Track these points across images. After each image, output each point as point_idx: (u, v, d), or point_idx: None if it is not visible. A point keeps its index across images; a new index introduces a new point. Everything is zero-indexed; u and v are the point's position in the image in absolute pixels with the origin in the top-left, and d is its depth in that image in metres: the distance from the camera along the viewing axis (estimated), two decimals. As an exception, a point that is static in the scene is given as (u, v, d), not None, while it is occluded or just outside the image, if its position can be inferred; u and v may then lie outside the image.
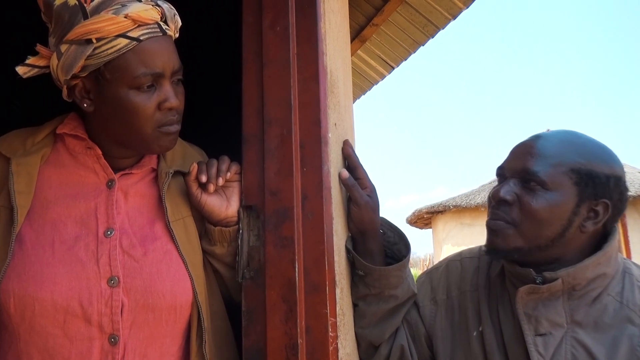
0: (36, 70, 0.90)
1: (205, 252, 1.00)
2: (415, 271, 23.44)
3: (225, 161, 0.98)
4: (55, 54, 0.88)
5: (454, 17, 2.20)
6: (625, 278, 0.99)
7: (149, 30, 0.88)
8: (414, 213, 14.30)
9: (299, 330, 0.91)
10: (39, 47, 0.90)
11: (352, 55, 2.75)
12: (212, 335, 0.96)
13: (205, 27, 1.86)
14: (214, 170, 0.95)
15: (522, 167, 0.99)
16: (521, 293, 0.97)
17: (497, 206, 1.01)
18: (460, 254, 1.20)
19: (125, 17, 0.85)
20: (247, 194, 0.98)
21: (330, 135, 1.03)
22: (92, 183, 0.94)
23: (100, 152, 0.94)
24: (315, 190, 0.97)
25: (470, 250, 1.19)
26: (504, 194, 0.99)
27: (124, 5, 0.86)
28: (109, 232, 0.89)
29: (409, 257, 1.10)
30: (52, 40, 0.89)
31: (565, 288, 0.96)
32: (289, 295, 0.92)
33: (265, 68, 1.01)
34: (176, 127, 0.95)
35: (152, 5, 0.90)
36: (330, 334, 0.92)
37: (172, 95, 0.91)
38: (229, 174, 0.96)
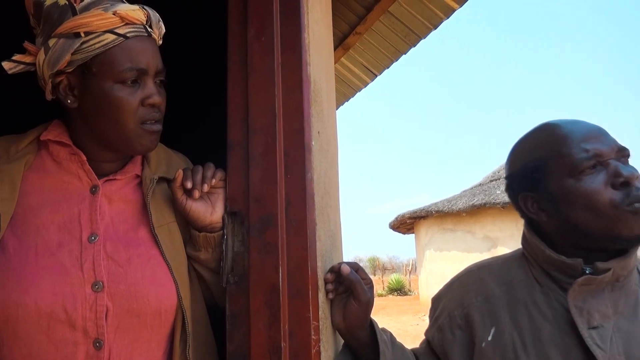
0: (22, 66, 0.92)
1: (190, 258, 1.01)
2: (397, 276, 23.50)
3: (210, 168, 0.99)
4: (42, 49, 0.90)
5: (435, 27, 2.25)
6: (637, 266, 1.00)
7: (136, 29, 0.92)
8: (396, 218, 14.41)
9: (282, 334, 0.92)
10: (27, 44, 0.92)
11: (335, 63, 2.78)
12: (195, 340, 0.97)
13: (191, 36, 1.87)
14: (199, 177, 0.97)
15: (617, 146, 0.96)
16: (577, 284, 0.94)
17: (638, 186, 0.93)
18: (466, 269, 1.18)
19: (114, 14, 0.89)
20: (232, 200, 1.00)
21: (313, 143, 1.06)
22: (76, 189, 0.94)
23: (84, 157, 0.95)
24: (299, 197, 0.99)
25: (475, 265, 1.17)
26: (636, 172, 0.93)
27: (112, 4, 0.91)
28: (92, 238, 0.90)
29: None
30: (39, 40, 0.92)
31: (612, 279, 0.95)
32: (273, 300, 0.94)
33: (250, 77, 1.03)
34: (158, 127, 0.97)
35: (140, 7, 0.94)
36: (312, 337, 0.94)
37: (155, 92, 0.94)
38: (214, 181, 0.98)
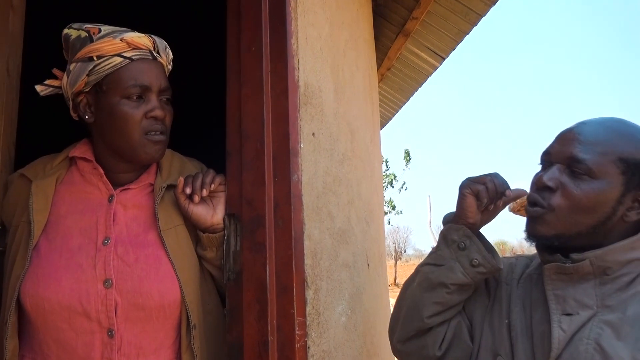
0: (51, 89, 1.12)
1: (200, 257, 1.12)
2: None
3: (210, 174, 1.08)
4: (65, 73, 1.09)
5: (494, 3, 2.10)
6: None
7: (141, 53, 1.07)
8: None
9: (269, 328, 0.99)
10: (55, 70, 1.12)
11: (400, 49, 2.74)
12: (204, 332, 1.07)
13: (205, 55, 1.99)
14: (198, 183, 1.06)
15: (570, 154, 0.96)
16: (548, 272, 0.97)
17: (538, 192, 0.98)
18: (518, 254, 1.20)
19: (121, 40, 1.05)
20: (230, 203, 1.08)
21: (302, 145, 1.09)
22: (96, 198, 1.09)
23: (102, 171, 1.10)
24: (285, 198, 1.04)
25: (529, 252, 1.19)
26: (547, 180, 0.96)
27: (121, 33, 1.07)
28: (106, 241, 1.04)
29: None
30: (67, 67, 1.10)
31: (596, 271, 0.94)
32: (262, 296, 1.01)
33: (243, 87, 1.10)
34: (160, 137, 1.09)
35: (146, 35, 1.08)
36: (297, 332, 0.99)
37: (157, 107, 1.07)
38: (213, 186, 1.07)
